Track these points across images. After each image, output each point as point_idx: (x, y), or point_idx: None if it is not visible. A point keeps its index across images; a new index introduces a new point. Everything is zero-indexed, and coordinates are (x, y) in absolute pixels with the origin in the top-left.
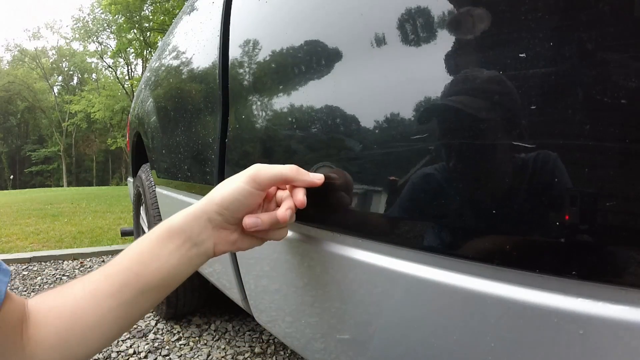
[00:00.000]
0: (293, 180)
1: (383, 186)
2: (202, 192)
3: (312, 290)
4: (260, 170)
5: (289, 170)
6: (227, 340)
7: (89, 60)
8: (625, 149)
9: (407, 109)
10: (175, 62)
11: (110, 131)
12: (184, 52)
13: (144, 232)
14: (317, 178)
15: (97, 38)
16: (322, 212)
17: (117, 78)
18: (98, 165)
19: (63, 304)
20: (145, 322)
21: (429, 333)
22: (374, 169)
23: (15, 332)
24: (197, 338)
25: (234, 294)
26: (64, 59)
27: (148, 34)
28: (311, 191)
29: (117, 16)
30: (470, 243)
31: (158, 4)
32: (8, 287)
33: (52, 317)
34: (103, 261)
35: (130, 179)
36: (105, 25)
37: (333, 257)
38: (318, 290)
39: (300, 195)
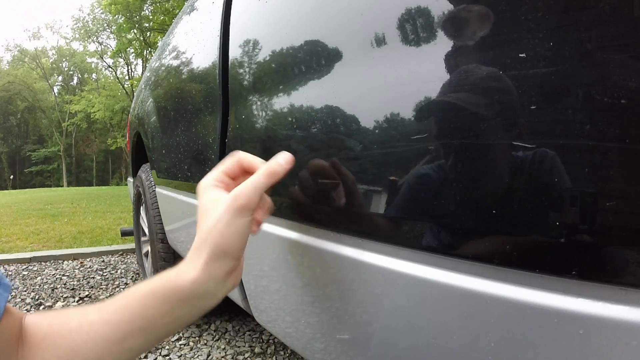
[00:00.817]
0: (275, 180)
1: (383, 186)
2: None
3: (312, 290)
4: (240, 195)
5: (266, 176)
6: (227, 340)
7: (89, 60)
8: (625, 149)
9: (407, 109)
10: (175, 62)
11: (110, 131)
12: (184, 52)
13: (144, 233)
14: (285, 161)
15: (97, 38)
16: (322, 212)
17: (117, 78)
18: (98, 165)
19: (60, 336)
20: None
21: (429, 333)
22: (374, 169)
23: (12, 347)
24: (197, 338)
25: (234, 294)
26: (64, 59)
27: (148, 34)
28: (312, 191)
29: (117, 16)
30: (470, 243)
31: (158, 4)
32: (8, 302)
33: (48, 344)
34: (103, 261)
35: (130, 179)
36: (105, 25)
37: (333, 257)
38: (318, 290)
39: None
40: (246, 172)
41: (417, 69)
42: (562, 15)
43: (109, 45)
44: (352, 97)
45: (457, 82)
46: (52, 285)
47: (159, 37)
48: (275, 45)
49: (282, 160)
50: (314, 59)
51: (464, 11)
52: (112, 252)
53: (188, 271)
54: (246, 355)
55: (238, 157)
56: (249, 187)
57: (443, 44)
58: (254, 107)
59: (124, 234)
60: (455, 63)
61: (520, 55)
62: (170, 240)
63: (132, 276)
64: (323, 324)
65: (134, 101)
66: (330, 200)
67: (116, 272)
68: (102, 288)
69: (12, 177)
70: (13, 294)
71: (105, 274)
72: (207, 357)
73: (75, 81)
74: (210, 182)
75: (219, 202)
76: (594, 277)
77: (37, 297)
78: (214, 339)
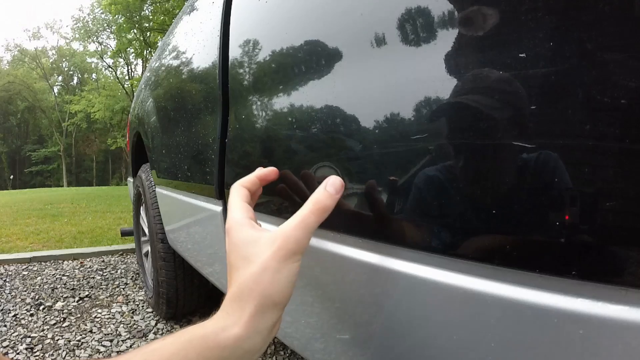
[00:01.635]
0: (326, 216)
1: (383, 186)
2: (202, 192)
3: (312, 290)
4: (289, 239)
5: (316, 213)
6: None
7: (89, 60)
8: (625, 149)
9: (407, 109)
10: (175, 62)
11: (110, 131)
12: (184, 52)
13: (144, 233)
14: (335, 190)
15: (97, 38)
16: None
17: (117, 78)
18: (98, 165)
19: None
20: (145, 322)
21: (429, 333)
22: (374, 169)
23: None
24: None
25: None
26: (64, 59)
27: (148, 34)
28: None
29: (117, 16)
30: (470, 243)
31: (158, 4)
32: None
33: None
34: (103, 261)
35: (130, 179)
36: (105, 25)
37: (333, 257)
38: (318, 290)
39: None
40: (262, 181)
41: (417, 69)
42: (562, 15)
43: (109, 45)
44: (352, 97)
45: (456, 82)
46: (52, 285)
47: (159, 37)
48: (275, 45)
49: (332, 189)
50: (314, 59)
51: (463, 11)
52: (112, 252)
53: (229, 326)
54: None
55: (256, 174)
56: (299, 229)
57: (443, 44)
58: (254, 107)
59: (124, 234)
60: (455, 63)
61: (520, 55)
62: (170, 240)
63: (132, 276)
64: (323, 324)
65: (134, 101)
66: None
67: (116, 272)
68: (102, 288)
69: (12, 177)
70: (13, 294)
71: (105, 274)
72: None
73: (75, 81)
74: (243, 220)
75: (259, 244)
76: (594, 277)
77: (37, 297)
78: None
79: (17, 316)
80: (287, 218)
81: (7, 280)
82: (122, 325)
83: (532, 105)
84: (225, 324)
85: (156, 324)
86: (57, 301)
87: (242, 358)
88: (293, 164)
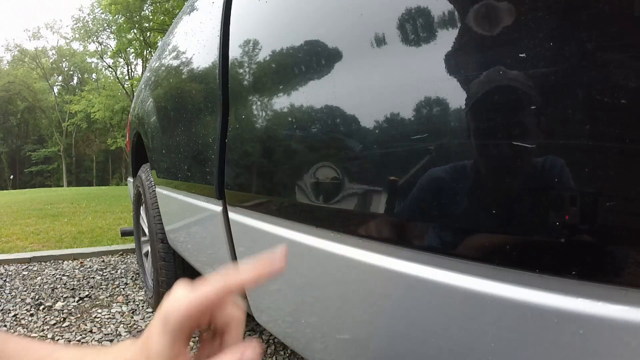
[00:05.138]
0: (223, 298)
1: (383, 186)
2: (202, 192)
3: (312, 290)
4: (170, 312)
5: (210, 293)
6: None
7: (89, 60)
8: (625, 149)
9: (407, 109)
10: (175, 62)
11: (110, 131)
12: (184, 52)
13: (144, 233)
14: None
15: (97, 38)
16: (322, 211)
17: (117, 78)
18: (98, 165)
19: None
20: (145, 322)
21: (429, 333)
22: (374, 169)
23: None
24: (197, 338)
25: None
26: (64, 59)
27: (148, 34)
28: (313, 191)
29: (117, 16)
30: (470, 243)
31: (158, 4)
32: None
33: None
34: (103, 261)
35: (130, 179)
36: (105, 25)
37: (333, 257)
38: (318, 290)
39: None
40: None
41: (417, 69)
42: (562, 15)
43: (109, 45)
44: (352, 97)
45: (457, 82)
46: (52, 285)
47: (159, 37)
48: (275, 45)
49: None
50: (314, 59)
51: (463, 11)
52: (112, 252)
53: None
54: None
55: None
56: (180, 300)
57: (443, 44)
58: (254, 107)
59: (124, 234)
60: (455, 63)
61: (520, 55)
62: (170, 240)
63: (132, 276)
64: (323, 324)
65: (134, 101)
66: (330, 200)
67: (116, 272)
68: (102, 288)
69: (12, 177)
70: (13, 294)
71: (105, 274)
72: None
73: (75, 81)
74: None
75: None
76: (594, 277)
77: (37, 297)
78: None
79: (17, 316)
80: (287, 218)
81: (7, 280)
82: (122, 325)
83: (532, 106)
84: None
85: None
86: (57, 301)
87: None
88: (293, 164)
